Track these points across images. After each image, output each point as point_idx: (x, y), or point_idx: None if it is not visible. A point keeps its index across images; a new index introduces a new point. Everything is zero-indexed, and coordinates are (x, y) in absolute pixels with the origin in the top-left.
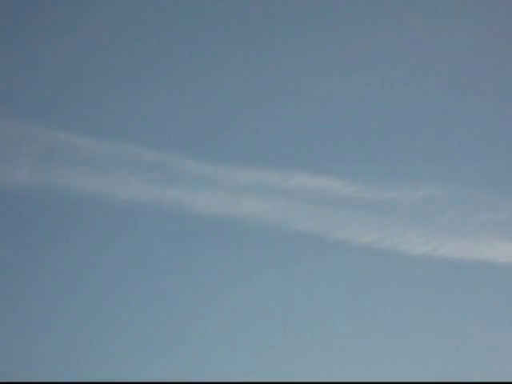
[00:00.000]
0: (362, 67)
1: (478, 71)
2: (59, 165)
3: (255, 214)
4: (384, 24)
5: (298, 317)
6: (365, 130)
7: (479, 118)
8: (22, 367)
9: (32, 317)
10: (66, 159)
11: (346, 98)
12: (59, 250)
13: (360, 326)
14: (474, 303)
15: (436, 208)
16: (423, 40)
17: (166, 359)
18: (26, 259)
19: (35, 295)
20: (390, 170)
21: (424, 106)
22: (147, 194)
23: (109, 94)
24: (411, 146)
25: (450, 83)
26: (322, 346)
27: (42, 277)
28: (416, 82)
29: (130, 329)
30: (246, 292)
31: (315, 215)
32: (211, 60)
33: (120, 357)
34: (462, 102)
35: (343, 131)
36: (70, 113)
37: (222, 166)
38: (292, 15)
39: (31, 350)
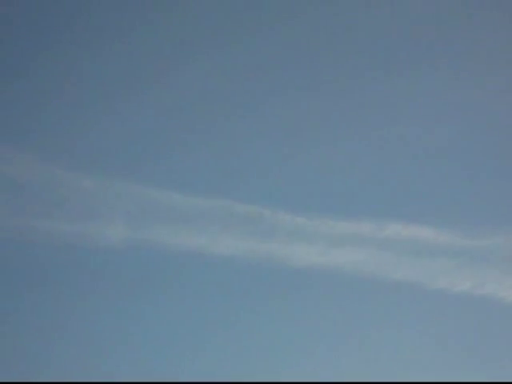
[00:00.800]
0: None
1: None
2: (154, 221)
3: (350, 265)
4: None
5: (401, 366)
6: (456, 179)
7: None
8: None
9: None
10: (161, 215)
11: (439, 146)
12: (155, 305)
13: (461, 374)
14: None
15: None
16: None
17: None
18: (121, 313)
19: (134, 351)
20: (483, 217)
21: None
22: (242, 248)
23: (199, 151)
24: (503, 192)
25: None
26: None
27: (138, 329)
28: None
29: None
30: (343, 342)
31: (410, 265)
32: (300, 115)
33: None
34: None
35: (435, 180)
36: (163, 170)
37: (316, 217)
38: None
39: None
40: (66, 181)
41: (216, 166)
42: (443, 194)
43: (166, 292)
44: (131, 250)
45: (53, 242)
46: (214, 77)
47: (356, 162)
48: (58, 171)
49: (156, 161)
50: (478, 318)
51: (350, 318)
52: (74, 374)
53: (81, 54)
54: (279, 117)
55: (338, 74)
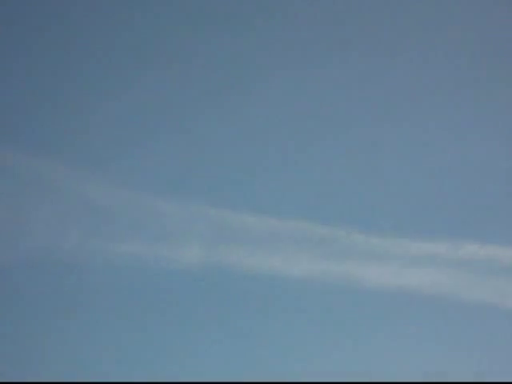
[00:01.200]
0: None
1: None
2: (229, 243)
3: (424, 285)
4: None
5: None
6: None
7: None
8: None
9: None
10: (236, 237)
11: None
12: (230, 326)
13: None
14: None
15: None
16: None
17: None
18: (196, 335)
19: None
20: None
21: None
22: (316, 270)
23: (275, 174)
24: None
25: None
26: None
27: (212, 349)
28: None
29: None
30: (416, 364)
31: (486, 285)
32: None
33: None
34: None
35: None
36: (239, 192)
37: (390, 238)
38: None
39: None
40: (142, 203)
41: (290, 188)
42: None
43: (242, 313)
44: (207, 272)
45: (129, 264)
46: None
47: (431, 181)
48: (133, 194)
49: (231, 184)
50: None
51: (425, 340)
52: None
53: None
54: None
55: None
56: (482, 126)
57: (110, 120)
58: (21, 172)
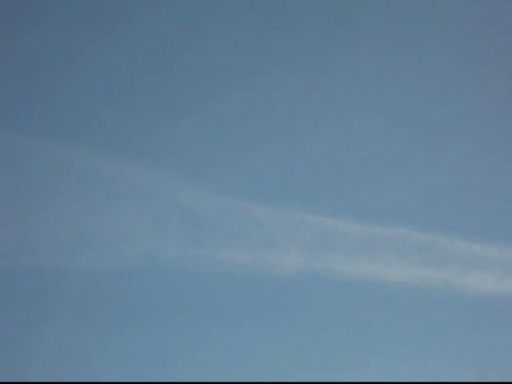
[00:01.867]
0: None
1: None
2: (329, 250)
3: None
4: None
5: None
6: None
7: None
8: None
9: None
10: (336, 244)
11: None
12: (329, 331)
13: None
14: None
15: None
16: None
17: None
18: (296, 341)
19: None
20: None
21: None
22: (416, 277)
23: (373, 179)
24: None
25: None
26: None
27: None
28: None
29: None
30: None
31: None
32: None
33: None
34: None
35: None
36: (339, 200)
37: (493, 245)
38: None
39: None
40: (241, 211)
41: (391, 194)
42: None
43: (342, 320)
44: (306, 278)
45: (230, 271)
46: None
47: None
48: (233, 201)
49: (331, 191)
50: None
51: None
52: None
53: None
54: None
55: None
56: None
57: (207, 128)
58: (121, 180)
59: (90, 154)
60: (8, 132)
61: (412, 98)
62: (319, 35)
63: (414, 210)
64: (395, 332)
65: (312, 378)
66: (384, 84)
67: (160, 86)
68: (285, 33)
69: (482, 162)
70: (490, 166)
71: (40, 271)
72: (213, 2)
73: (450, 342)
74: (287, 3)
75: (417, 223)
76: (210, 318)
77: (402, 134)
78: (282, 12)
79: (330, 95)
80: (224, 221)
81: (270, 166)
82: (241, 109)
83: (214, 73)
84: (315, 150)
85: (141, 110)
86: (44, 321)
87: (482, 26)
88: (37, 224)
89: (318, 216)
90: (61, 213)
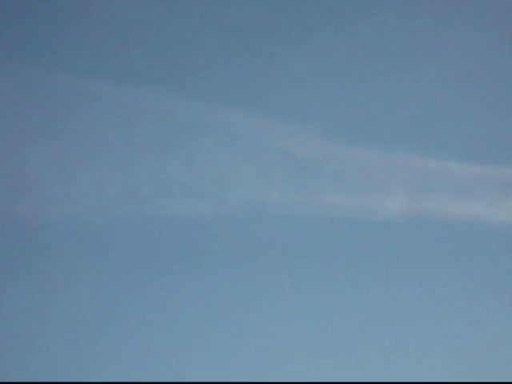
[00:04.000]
0: None
1: None
2: (432, 191)
3: None
4: None
5: None
6: None
7: None
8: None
9: None
10: (439, 185)
11: None
12: (435, 275)
13: None
14: None
15: None
16: None
17: None
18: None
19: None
20: None
21: None
22: None
23: (474, 116)
24: None
25: None
26: None
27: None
28: None
29: None
30: None
31: None
32: None
33: None
34: None
35: None
36: (439, 138)
37: None
38: None
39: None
40: (344, 155)
41: (492, 133)
42: None
43: (444, 263)
44: (409, 221)
45: (333, 215)
46: None
47: None
48: (334, 145)
49: (432, 131)
50: None
51: None
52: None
53: None
54: None
55: None
56: None
57: (308, 74)
58: (223, 127)
59: (192, 104)
60: (112, 84)
61: None
62: None
63: None
64: (503, 276)
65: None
66: None
67: (258, 30)
68: None
69: None
70: None
71: (145, 219)
72: None
73: None
74: None
75: None
76: (313, 262)
77: None
78: None
79: None
80: (326, 165)
81: (370, 107)
82: (340, 51)
83: (309, 17)
84: (414, 90)
85: (241, 58)
86: (145, 265)
87: None
88: (141, 173)
89: (420, 157)
90: (165, 162)
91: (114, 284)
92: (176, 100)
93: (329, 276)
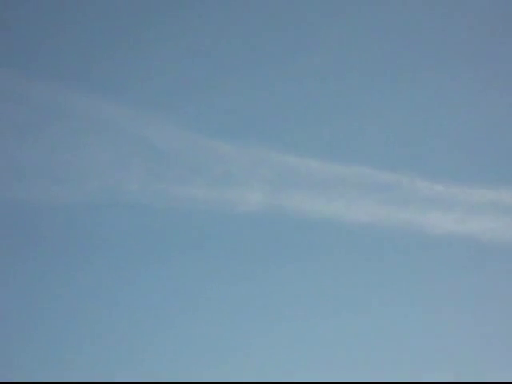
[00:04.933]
0: None
1: None
2: (291, 187)
3: (487, 233)
4: None
5: None
6: None
7: None
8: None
9: None
10: (298, 182)
11: None
12: (290, 271)
13: None
14: None
15: None
16: None
17: None
18: (257, 279)
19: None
20: None
21: None
22: (378, 215)
23: (337, 115)
24: None
25: None
26: None
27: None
28: None
29: None
30: (481, 313)
31: None
32: None
33: None
34: None
35: None
36: (301, 137)
37: (454, 185)
38: None
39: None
40: (205, 147)
41: (355, 133)
42: None
43: (301, 258)
44: (268, 215)
45: (191, 207)
46: None
47: (494, 129)
48: (196, 137)
49: (294, 127)
50: None
51: (486, 288)
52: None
53: None
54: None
55: None
56: None
57: (174, 63)
58: (84, 114)
59: (52, 88)
60: None
61: None
62: None
63: (376, 149)
64: (357, 271)
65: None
66: None
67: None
68: None
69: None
70: (455, 109)
71: (4, 205)
72: None
73: (409, 283)
74: None
75: (379, 162)
76: (167, 253)
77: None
78: None
79: None
80: (186, 156)
81: (233, 101)
82: (212, 40)
83: None
84: (278, 88)
85: (102, 40)
86: (14, 253)
87: None
88: (1, 158)
89: (281, 153)
90: (22, 146)
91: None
92: (35, 83)
93: (183, 266)
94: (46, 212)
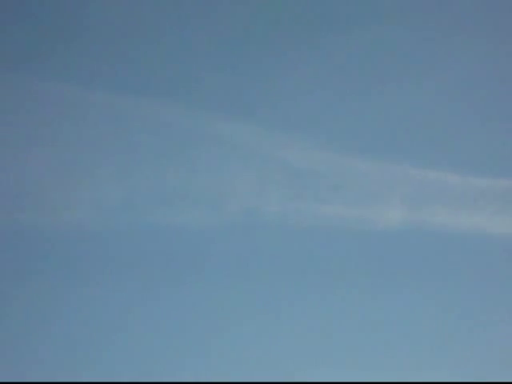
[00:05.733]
0: None
1: None
2: (431, 203)
3: None
4: None
5: None
6: None
7: None
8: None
9: None
10: (438, 197)
11: None
12: (435, 288)
13: None
14: None
15: None
16: None
17: None
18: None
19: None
20: None
21: None
22: None
23: (477, 129)
24: None
25: None
26: None
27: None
28: None
29: None
30: None
31: None
32: None
33: None
34: None
35: None
36: (439, 150)
37: None
38: None
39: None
40: (343, 165)
41: (498, 146)
42: None
43: (446, 273)
44: (409, 232)
45: (331, 226)
46: None
47: None
48: (334, 156)
49: (430, 143)
50: None
51: None
52: None
53: None
54: None
55: None
56: None
57: (310, 81)
58: (224, 138)
59: (191, 113)
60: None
61: None
62: None
63: None
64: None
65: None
66: None
67: (258, 38)
68: None
69: None
70: None
71: (144, 229)
72: None
73: None
74: None
75: None
76: (312, 272)
77: None
78: None
79: None
80: (325, 175)
81: (369, 117)
82: (340, 60)
83: (308, 26)
84: (415, 100)
85: (240, 66)
86: (152, 276)
87: None
88: (142, 182)
89: (419, 169)
90: (164, 171)
91: (114, 294)
92: (175, 110)
93: (327, 286)
94: (186, 236)
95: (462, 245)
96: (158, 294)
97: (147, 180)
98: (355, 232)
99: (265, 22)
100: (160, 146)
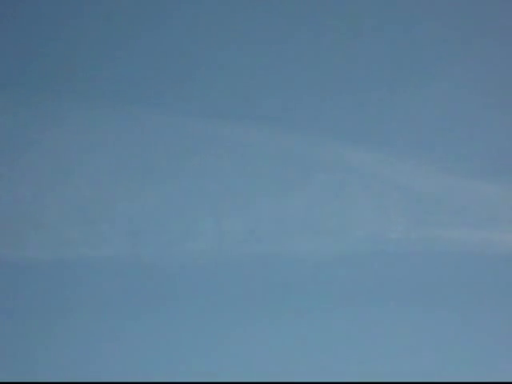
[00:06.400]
0: None
1: None
2: None
3: None
4: None
5: None
6: None
7: None
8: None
9: None
10: None
11: None
12: None
13: None
14: None
15: None
16: None
17: None
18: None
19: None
20: None
21: None
22: None
23: None
24: None
25: None
26: None
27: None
28: None
29: None
30: None
31: None
32: None
33: None
34: None
35: None
36: None
37: None
38: None
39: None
40: (466, 188)
41: None
42: None
43: None
44: None
45: (456, 250)
46: None
47: None
48: (456, 179)
49: None
50: None
51: None
52: None
53: None
54: None
55: None
56: None
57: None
58: (343, 164)
59: (309, 141)
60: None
61: None
62: None
63: None
64: None
65: None
66: None
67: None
68: None
69: None
70: None
71: (267, 259)
72: None
73: None
74: None
75: None
76: (441, 299)
77: None
78: None
79: None
80: (447, 200)
81: (492, 140)
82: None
83: None
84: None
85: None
86: (275, 307)
87: None
88: (262, 212)
89: None
90: (285, 200)
91: (243, 325)
92: (293, 138)
93: (457, 311)
94: (309, 265)
95: None
96: (280, 323)
97: (267, 210)
98: (481, 255)
99: None
100: (279, 175)
